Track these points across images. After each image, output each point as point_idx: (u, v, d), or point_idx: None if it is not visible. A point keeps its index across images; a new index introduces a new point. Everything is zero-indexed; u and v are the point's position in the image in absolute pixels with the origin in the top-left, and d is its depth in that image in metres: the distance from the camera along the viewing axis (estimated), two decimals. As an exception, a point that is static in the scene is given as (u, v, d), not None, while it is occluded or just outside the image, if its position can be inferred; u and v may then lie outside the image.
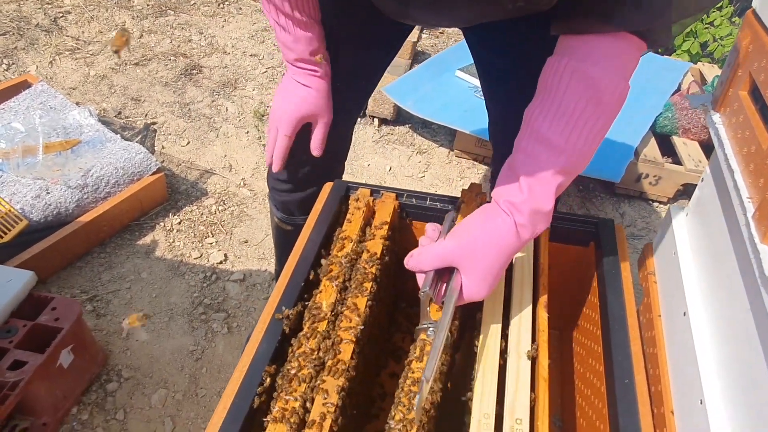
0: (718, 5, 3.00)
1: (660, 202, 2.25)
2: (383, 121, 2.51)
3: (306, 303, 0.87)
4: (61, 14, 2.92)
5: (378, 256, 0.94)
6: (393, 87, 2.35)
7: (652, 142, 2.26)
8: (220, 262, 1.82)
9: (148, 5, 3.12)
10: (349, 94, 1.14)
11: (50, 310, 1.32)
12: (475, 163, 2.36)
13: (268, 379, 0.77)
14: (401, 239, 1.11)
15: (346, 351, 0.79)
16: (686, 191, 2.24)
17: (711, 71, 2.66)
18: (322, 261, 0.95)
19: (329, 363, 0.77)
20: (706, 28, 2.97)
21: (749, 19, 0.88)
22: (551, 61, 0.73)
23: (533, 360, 0.81)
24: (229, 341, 1.59)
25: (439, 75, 2.48)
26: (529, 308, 0.88)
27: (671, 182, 2.18)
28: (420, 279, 0.80)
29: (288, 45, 0.99)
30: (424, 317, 0.81)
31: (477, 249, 0.75)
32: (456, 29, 3.13)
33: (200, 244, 1.87)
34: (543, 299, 0.89)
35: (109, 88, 2.52)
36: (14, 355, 1.22)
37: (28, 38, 2.71)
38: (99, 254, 1.79)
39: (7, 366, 1.20)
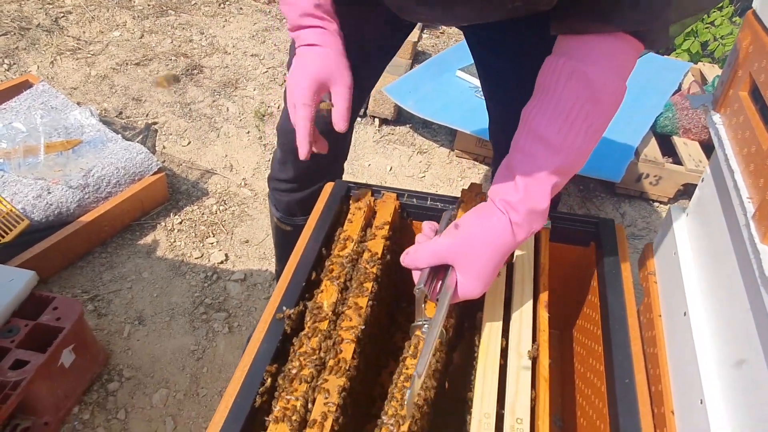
0: (719, 5, 3.00)
1: (660, 202, 2.25)
2: (384, 121, 2.51)
3: (307, 303, 0.88)
4: (62, 14, 2.93)
5: (379, 256, 0.94)
6: (393, 87, 2.35)
7: (653, 142, 2.26)
8: (221, 262, 1.82)
9: (148, 5, 3.12)
10: None
11: (52, 310, 1.32)
12: (476, 163, 2.36)
13: (269, 379, 0.77)
14: (402, 239, 1.11)
15: (347, 351, 0.80)
16: (687, 191, 2.24)
17: (711, 71, 2.66)
18: (324, 261, 0.95)
19: (330, 363, 0.78)
20: (706, 27, 2.97)
21: (749, 19, 0.88)
22: (549, 61, 0.73)
23: (534, 360, 0.81)
24: (230, 341, 1.59)
25: (439, 75, 2.48)
26: (530, 308, 0.88)
27: (672, 182, 2.18)
28: (416, 276, 0.80)
29: (291, 1, 0.91)
30: (419, 314, 0.81)
31: (472, 247, 0.75)
32: (456, 29, 3.13)
33: (201, 244, 1.87)
34: (543, 299, 0.89)
35: (110, 88, 2.53)
36: (16, 354, 1.22)
37: (29, 38, 2.71)
38: (100, 254, 1.79)
39: (8, 365, 1.20)
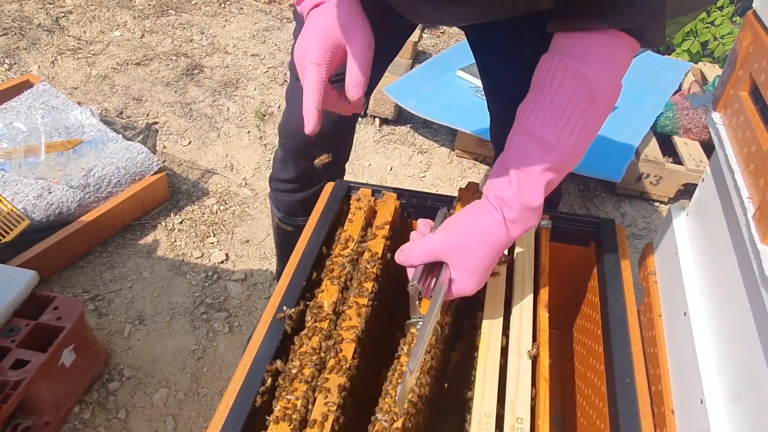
0: (719, 4, 3.00)
1: (661, 202, 2.25)
2: (384, 121, 2.51)
3: (307, 302, 0.88)
4: (62, 14, 2.93)
5: (379, 255, 0.94)
6: (394, 87, 2.35)
7: (653, 141, 2.26)
8: (222, 262, 1.82)
9: (149, 5, 3.12)
10: None
11: (52, 310, 1.32)
12: (476, 162, 2.36)
13: (270, 379, 0.78)
14: (402, 239, 1.11)
15: (348, 350, 0.80)
16: (687, 191, 2.24)
17: (712, 71, 2.66)
18: (325, 261, 0.95)
19: (331, 362, 0.78)
20: (706, 27, 2.97)
21: (749, 19, 0.88)
22: (545, 59, 0.73)
23: (534, 359, 0.81)
24: (231, 340, 1.59)
25: (440, 75, 2.48)
26: (530, 308, 0.88)
27: (672, 182, 2.18)
28: (410, 273, 0.80)
29: None
30: (413, 311, 0.81)
31: (466, 244, 0.75)
32: (457, 29, 3.13)
33: (202, 244, 1.87)
34: (544, 299, 0.89)
35: (110, 87, 2.53)
36: (16, 354, 1.23)
37: (30, 38, 2.71)
38: (101, 254, 1.79)
39: (9, 365, 1.20)
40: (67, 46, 2.72)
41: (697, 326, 0.87)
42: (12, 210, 1.61)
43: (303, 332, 0.83)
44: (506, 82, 1.09)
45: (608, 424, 0.79)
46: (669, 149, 2.27)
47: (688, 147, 2.25)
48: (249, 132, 2.40)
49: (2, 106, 1.95)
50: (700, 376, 0.80)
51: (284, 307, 0.86)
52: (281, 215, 1.34)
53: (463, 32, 1.17)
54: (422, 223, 0.87)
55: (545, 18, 0.75)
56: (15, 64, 2.57)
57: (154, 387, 1.46)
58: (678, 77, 2.64)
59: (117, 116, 2.36)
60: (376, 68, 1.18)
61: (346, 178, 1.24)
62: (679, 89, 2.56)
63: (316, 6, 0.78)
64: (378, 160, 2.34)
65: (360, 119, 2.50)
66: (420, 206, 1.10)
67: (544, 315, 0.87)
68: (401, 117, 2.53)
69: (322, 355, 0.80)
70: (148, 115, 2.41)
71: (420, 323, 0.80)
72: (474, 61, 1.16)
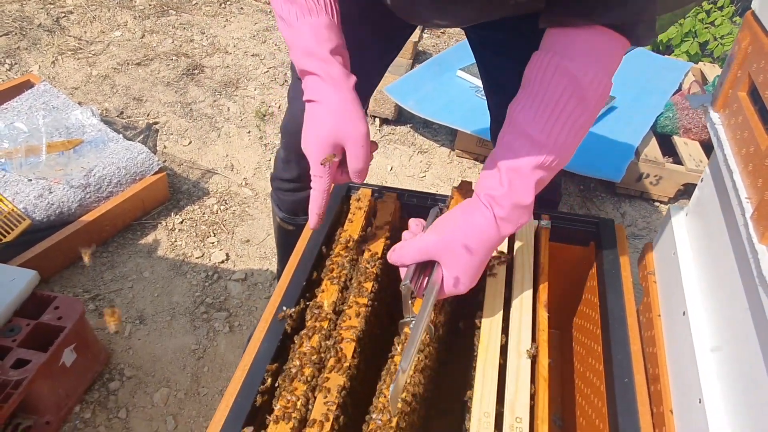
0: (719, 4, 3.00)
1: (661, 202, 2.25)
2: (384, 121, 2.51)
3: (308, 302, 0.88)
4: (63, 14, 2.93)
5: (379, 255, 0.94)
6: (394, 87, 2.35)
7: (653, 141, 2.26)
8: (222, 262, 1.82)
9: (150, 5, 3.13)
10: None
11: (53, 309, 1.32)
12: (476, 162, 2.36)
13: (270, 378, 0.78)
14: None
15: (348, 350, 0.80)
16: (687, 191, 2.24)
17: (712, 71, 2.66)
18: (325, 261, 0.95)
19: (331, 362, 0.78)
20: (706, 27, 2.97)
21: (748, 20, 0.89)
22: (536, 56, 0.73)
23: (533, 359, 0.81)
24: (231, 340, 1.59)
25: (440, 75, 2.48)
26: (530, 307, 0.88)
27: (672, 182, 2.18)
28: (403, 273, 0.80)
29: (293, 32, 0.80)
30: (406, 311, 0.81)
31: (457, 242, 0.76)
32: (457, 29, 3.13)
33: (202, 244, 1.88)
34: (543, 299, 0.89)
35: (111, 87, 2.53)
36: (17, 353, 1.23)
37: (30, 38, 2.72)
38: (101, 253, 1.80)
39: (10, 364, 1.21)
40: (67, 46, 2.72)
41: (696, 326, 0.87)
42: (13, 210, 1.61)
43: (303, 332, 0.83)
44: (506, 82, 1.08)
45: (607, 423, 0.79)
46: (669, 149, 2.28)
47: (688, 147, 2.25)
48: (249, 132, 2.40)
49: (3, 106, 1.95)
50: (699, 376, 0.80)
51: (284, 307, 0.86)
52: (283, 215, 1.34)
53: (463, 32, 1.17)
54: (414, 223, 0.87)
55: None
56: (16, 64, 2.57)
57: (155, 386, 1.47)
58: (678, 77, 2.65)
59: (117, 116, 2.36)
60: (376, 68, 1.19)
61: (346, 178, 1.25)
62: (679, 89, 2.57)
63: (311, 101, 0.79)
64: (378, 160, 2.34)
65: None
66: (420, 206, 1.10)
67: (543, 315, 0.87)
68: (401, 117, 2.53)
69: (322, 354, 0.80)
70: (148, 115, 2.41)
71: (413, 322, 0.80)
72: (474, 61, 1.16)
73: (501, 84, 1.11)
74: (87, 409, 1.40)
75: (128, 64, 2.68)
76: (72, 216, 1.72)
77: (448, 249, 0.76)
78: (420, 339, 0.74)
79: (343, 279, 0.91)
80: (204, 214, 1.99)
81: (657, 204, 2.25)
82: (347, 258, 0.94)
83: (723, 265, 0.86)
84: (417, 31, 2.67)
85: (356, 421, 0.77)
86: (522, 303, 0.89)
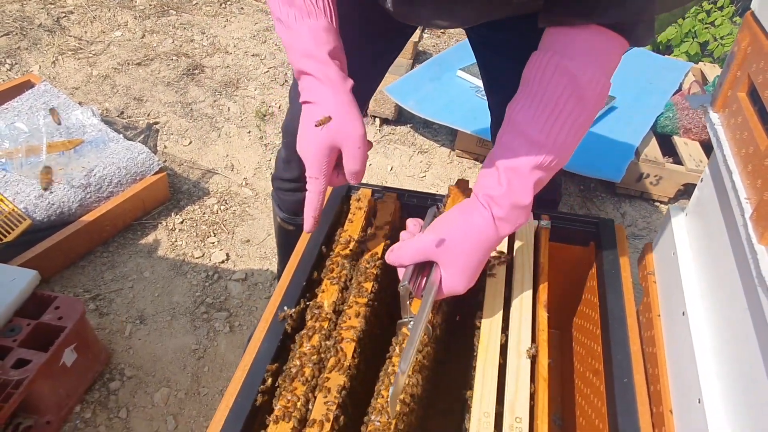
0: (719, 4, 3.00)
1: (661, 202, 2.25)
2: (384, 121, 2.52)
3: (308, 302, 0.88)
4: (63, 14, 2.93)
5: (379, 256, 0.95)
6: (394, 87, 2.35)
7: (653, 142, 2.26)
8: (222, 262, 1.82)
9: (150, 5, 3.13)
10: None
11: (53, 309, 1.33)
12: (477, 163, 2.36)
13: (270, 378, 0.78)
14: (402, 239, 1.11)
15: (348, 350, 0.80)
16: (687, 191, 2.24)
17: (712, 71, 2.66)
18: (325, 261, 0.96)
19: (331, 362, 0.78)
20: (706, 27, 2.97)
21: (748, 21, 0.89)
22: (535, 56, 0.73)
23: (533, 359, 0.81)
24: (231, 340, 1.59)
25: (440, 75, 2.48)
26: (529, 307, 0.88)
27: (672, 182, 2.18)
28: (401, 273, 0.80)
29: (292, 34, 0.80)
30: (404, 311, 0.81)
31: (455, 243, 0.75)
32: (458, 29, 3.13)
33: (202, 244, 1.88)
34: (543, 299, 0.89)
35: (111, 87, 2.53)
36: (18, 353, 1.23)
37: (31, 38, 2.72)
38: (102, 253, 1.80)
39: (11, 364, 1.21)
40: (68, 46, 2.73)
41: (695, 326, 0.88)
42: (13, 210, 1.61)
43: (303, 332, 0.83)
44: (507, 81, 1.08)
45: (607, 423, 0.79)
46: (669, 149, 2.28)
47: (688, 147, 2.25)
48: (249, 132, 2.40)
49: (3, 106, 1.96)
50: (699, 376, 0.80)
51: (285, 307, 0.86)
52: (284, 215, 1.34)
53: (463, 32, 1.17)
54: (412, 223, 0.87)
55: None
56: (16, 64, 2.57)
57: (155, 386, 1.47)
58: (678, 77, 2.65)
59: (118, 116, 2.36)
60: (376, 70, 1.19)
61: (347, 178, 1.25)
62: (680, 89, 2.57)
63: (307, 102, 0.79)
64: (378, 160, 2.34)
65: (360, 119, 2.50)
66: (420, 206, 1.10)
67: (543, 315, 0.87)
68: (401, 117, 2.53)
69: (322, 354, 0.80)
70: (148, 115, 2.41)
71: (411, 323, 0.80)
72: (474, 61, 1.17)
73: (502, 83, 1.11)
74: (87, 408, 1.40)
75: (129, 64, 2.69)
76: (72, 216, 1.72)
77: (446, 249, 0.76)
78: (419, 340, 0.74)
79: (343, 279, 0.91)
80: (204, 214, 1.99)
81: (657, 204, 2.25)
82: (347, 258, 0.94)
83: (722, 265, 0.86)
84: (417, 32, 2.67)
85: (356, 421, 0.77)
86: (522, 303, 0.89)
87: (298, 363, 0.78)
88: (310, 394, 0.75)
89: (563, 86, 0.69)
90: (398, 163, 2.34)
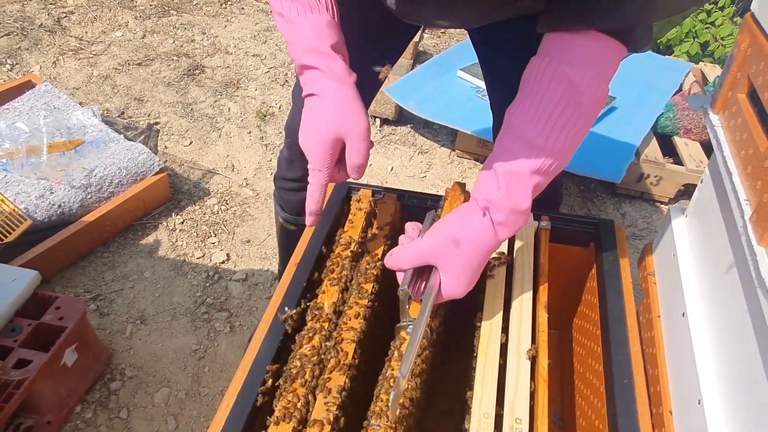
0: (720, 5, 3.00)
1: (661, 203, 2.25)
2: (385, 121, 2.52)
3: (308, 303, 0.88)
4: (64, 14, 2.94)
5: (379, 257, 0.95)
6: (395, 87, 2.35)
7: (654, 142, 2.26)
8: (223, 262, 1.83)
9: (150, 5, 3.13)
10: None
11: (54, 309, 1.33)
12: (477, 163, 2.36)
13: (271, 379, 0.78)
14: (402, 240, 1.11)
15: (348, 351, 0.80)
16: (687, 191, 2.24)
17: (713, 71, 2.66)
18: (325, 262, 0.96)
19: (331, 362, 0.78)
20: (706, 28, 2.97)
21: (748, 22, 0.89)
22: (534, 61, 0.74)
23: (533, 360, 0.81)
24: (232, 340, 1.60)
25: (440, 75, 2.48)
26: (529, 308, 0.88)
27: (672, 182, 2.18)
28: (400, 277, 0.80)
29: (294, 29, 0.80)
30: (403, 315, 0.81)
31: (454, 247, 0.75)
32: (459, 29, 3.13)
33: (203, 244, 1.88)
34: (543, 299, 0.89)
35: (112, 88, 2.53)
36: (19, 353, 1.23)
37: (31, 38, 2.72)
38: (102, 254, 1.80)
39: (11, 364, 1.21)
40: (68, 46, 2.73)
41: (695, 327, 0.88)
42: (14, 210, 1.61)
43: (303, 332, 0.83)
44: (509, 81, 1.08)
45: (607, 424, 0.79)
46: (669, 150, 2.28)
47: (688, 147, 2.25)
48: (250, 132, 2.40)
49: (4, 106, 1.96)
50: (699, 377, 0.80)
51: (285, 308, 0.86)
52: (286, 215, 1.34)
53: (464, 32, 1.17)
54: (410, 227, 0.87)
55: None
56: (17, 64, 2.57)
57: (156, 386, 1.47)
58: (679, 77, 2.65)
59: (118, 116, 2.36)
60: (378, 71, 1.19)
61: (347, 178, 1.25)
62: (680, 89, 2.57)
63: (311, 95, 0.79)
64: (378, 160, 2.35)
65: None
66: (420, 207, 1.10)
67: (543, 315, 0.87)
68: (402, 117, 2.53)
69: (323, 355, 0.80)
70: (149, 116, 2.41)
71: (410, 327, 0.80)
72: (475, 62, 1.17)
73: (503, 83, 1.11)
74: (88, 409, 1.40)
75: (129, 64, 2.69)
76: (73, 216, 1.72)
77: (444, 254, 0.76)
78: (419, 344, 0.74)
79: (343, 280, 0.91)
80: (205, 214, 1.99)
81: (657, 204, 2.25)
82: (348, 259, 0.94)
83: (722, 266, 0.86)
84: (418, 32, 2.68)
85: (356, 422, 0.77)
86: (522, 304, 0.89)
87: (298, 363, 0.78)
88: (310, 395, 0.75)
89: (561, 92, 0.70)
90: (398, 164, 2.34)
